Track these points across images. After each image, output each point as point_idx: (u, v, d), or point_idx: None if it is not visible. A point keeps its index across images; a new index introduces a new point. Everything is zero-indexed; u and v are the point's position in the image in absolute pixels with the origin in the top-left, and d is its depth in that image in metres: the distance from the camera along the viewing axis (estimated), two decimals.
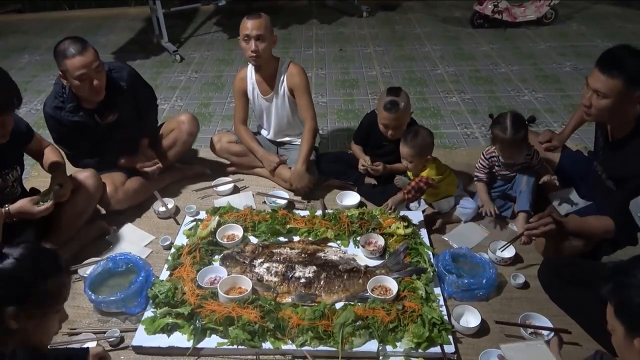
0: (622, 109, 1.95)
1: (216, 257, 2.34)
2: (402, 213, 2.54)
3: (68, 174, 2.40)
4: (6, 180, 2.20)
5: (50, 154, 2.41)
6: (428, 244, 2.38)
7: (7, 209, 2.09)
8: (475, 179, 2.57)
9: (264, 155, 2.87)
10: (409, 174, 2.59)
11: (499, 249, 2.28)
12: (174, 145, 2.87)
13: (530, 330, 1.92)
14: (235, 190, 2.89)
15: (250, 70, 2.82)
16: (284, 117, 2.87)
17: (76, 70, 2.26)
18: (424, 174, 2.46)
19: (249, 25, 2.57)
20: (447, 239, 2.47)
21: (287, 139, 2.97)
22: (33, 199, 2.15)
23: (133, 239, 2.53)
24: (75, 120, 2.46)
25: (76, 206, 2.35)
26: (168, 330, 1.96)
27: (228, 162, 3.04)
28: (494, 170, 2.54)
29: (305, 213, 2.60)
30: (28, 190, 2.45)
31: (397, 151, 2.56)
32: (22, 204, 2.12)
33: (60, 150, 2.52)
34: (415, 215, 2.55)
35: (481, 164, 2.55)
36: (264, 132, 3.04)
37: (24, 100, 4.19)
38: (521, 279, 2.16)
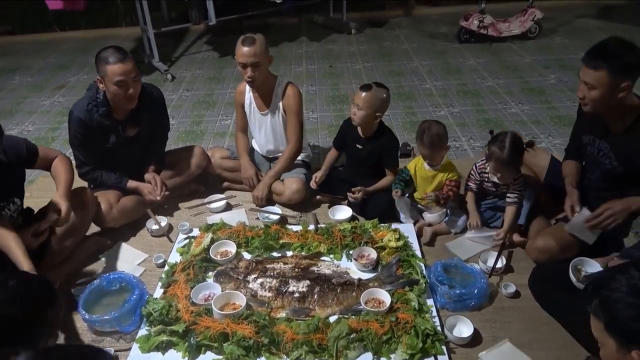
0: (613, 99, 2.00)
1: (210, 273, 2.35)
2: (393, 226, 2.58)
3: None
4: (4, 215, 2.12)
5: (60, 167, 2.31)
6: (420, 255, 2.40)
7: None
8: (466, 187, 2.61)
9: (245, 165, 2.92)
10: (420, 171, 2.61)
11: (488, 268, 2.31)
12: (179, 175, 2.91)
13: (581, 278, 1.96)
14: (228, 207, 2.91)
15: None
16: (277, 133, 2.92)
17: (115, 77, 2.37)
18: (449, 175, 2.54)
19: (245, 53, 2.57)
20: (450, 248, 2.49)
21: (279, 154, 3.00)
22: (28, 231, 2.10)
23: (126, 258, 2.53)
24: (103, 124, 2.53)
25: (70, 225, 2.33)
26: (163, 348, 1.96)
27: (221, 179, 3.06)
28: (483, 186, 2.57)
29: (298, 228, 2.63)
30: (24, 208, 2.37)
31: (373, 154, 2.66)
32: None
33: (69, 160, 2.45)
34: (407, 227, 2.59)
35: (472, 174, 2.59)
36: (255, 145, 3.09)
37: (15, 121, 4.27)
38: (512, 288, 2.19)
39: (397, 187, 2.59)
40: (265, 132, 2.93)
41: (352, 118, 2.63)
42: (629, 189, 2.16)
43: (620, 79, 1.94)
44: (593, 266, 2.01)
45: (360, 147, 2.73)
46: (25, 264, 1.89)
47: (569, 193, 2.32)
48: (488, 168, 2.48)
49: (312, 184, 2.75)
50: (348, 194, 2.66)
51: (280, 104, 2.81)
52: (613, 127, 2.13)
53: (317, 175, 2.76)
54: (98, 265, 2.48)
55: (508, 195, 2.49)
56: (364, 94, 2.56)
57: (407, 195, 2.67)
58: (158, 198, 2.68)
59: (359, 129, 2.70)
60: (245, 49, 2.58)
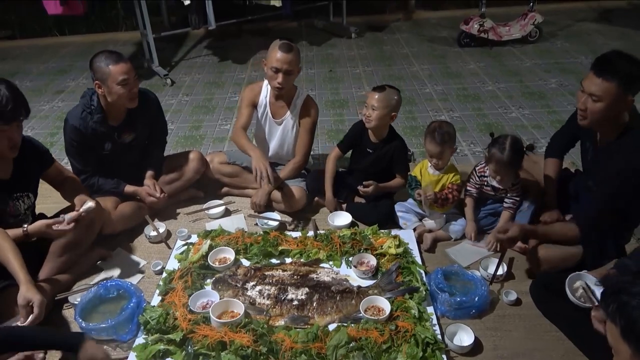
0: (615, 113, 1.99)
1: (208, 281, 2.33)
2: (393, 232, 2.56)
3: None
4: (16, 207, 2.18)
5: (73, 183, 2.42)
6: (420, 262, 2.38)
7: (25, 229, 2.09)
8: (466, 192, 2.60)
9: (258, 155, 2.66)
10: (425, 175, 2.60)
11: (488, 275, 2.28)
12: (177, 180, 2.88)
13: (578, 293, 1.93)
14: (227, 213, 2.89)
15: (266, 87, 2.80)
16: (284, 142, 2.88)
17: (120, 76, 2.37)
18: (452, 178, 2.52)
19: (280, 58, 2.53)
20: (450, 254, 2.47)
21: (280, 161, 2.98)
22: (48, 222, 2.12)
23: (124, 265, 2.51)
24: (98, 131, 2.52)
25: (72, 238, 2.26)
26: (160, 356, 1.93)
27: (220, 185, 3.04)
28: (482, 189, 2.56)
29: (297, 234, 2.61)
30: (37, 214, 2.40)
31: (382, 159, 2.67)
32: (39, 225, 2.10)
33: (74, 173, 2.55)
34: (407, 233, 2.57)
35: (472, 178, 2.58)
36: None
37: None
38: (513, 296, 2.17)
39: (414, 191, 2.59)
40: (274, 138, 2.90)
41: (367, 120, 2.61)
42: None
43: (627, 93, 1.93)
44: (590, 281, 1.96)
45: (370, 151, 2.71)
46: (22, 275, 1.87)
47: (547, 209, 2.46)
48: (488, 171, 2.47)
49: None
50: (359, 187, 2.65)
51: (297, 116, 2.78)
52: (600, 140, 2.14)
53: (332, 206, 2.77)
54: (95, 273, 2.46)
55: (505, 200, 2.48)
56: (378, 94, 2.56)
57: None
58: (158, 195, 2.65)
59: (370, 133, 2.69)
60: (283, 54, 2.54)
